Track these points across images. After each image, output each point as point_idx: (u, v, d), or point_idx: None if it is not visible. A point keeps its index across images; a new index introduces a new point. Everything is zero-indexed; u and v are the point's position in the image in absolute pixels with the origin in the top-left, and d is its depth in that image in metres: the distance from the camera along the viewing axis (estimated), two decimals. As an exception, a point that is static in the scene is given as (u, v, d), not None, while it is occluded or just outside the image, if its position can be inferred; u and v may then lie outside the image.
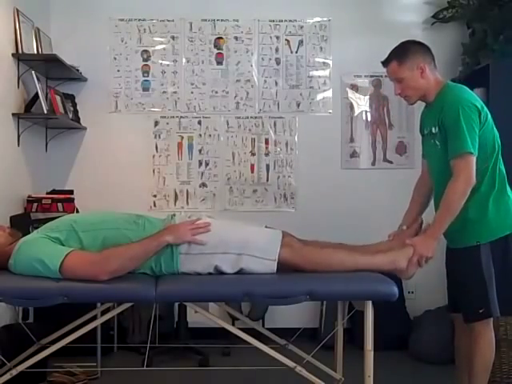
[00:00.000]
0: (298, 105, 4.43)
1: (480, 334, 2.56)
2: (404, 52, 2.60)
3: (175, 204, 4.38)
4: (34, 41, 3.91)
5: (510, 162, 2.75)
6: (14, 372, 2.20)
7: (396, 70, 2.59)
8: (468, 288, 2.56)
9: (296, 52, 4.43)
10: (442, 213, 2.50)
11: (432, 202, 2.75)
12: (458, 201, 2.46)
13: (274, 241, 2.34)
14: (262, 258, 2.31)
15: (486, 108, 2.56)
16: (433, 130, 2.59)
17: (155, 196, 4.39)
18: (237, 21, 4.40)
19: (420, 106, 2.78)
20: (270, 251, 2.32)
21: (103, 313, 2.57)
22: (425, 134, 2.72)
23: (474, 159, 2.46)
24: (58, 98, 3.94)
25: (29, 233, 2.43)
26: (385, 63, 2.65)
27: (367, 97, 4.44)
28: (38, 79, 3.72)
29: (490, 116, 2.57)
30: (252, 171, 4.41)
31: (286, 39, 4.43)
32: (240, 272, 2.33)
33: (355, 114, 4.46)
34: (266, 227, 2.52)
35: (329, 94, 4.43)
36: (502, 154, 2.63)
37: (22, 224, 3.38)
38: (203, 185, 4.41)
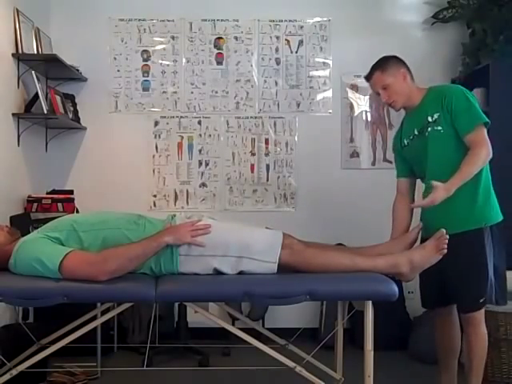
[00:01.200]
0: (298, 105, 4.43)
1: (479, 323, 2.62)
2: (385, 62, 2.76)
3: (175, 204, 4.38)
4: (34, 41, 3.91)
5: (510, 161, 2.76)
6: (14, 372, 2.19)
7: (380, 77, 2.73)
8: (469, 275, 2.59)
9: (296, 52, 4.43)
10: (462, 171, 2.51)
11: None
12: (479, 166, 2.53)
13: (275, 243, 2.33)
14: (262, 261, 2.30)
15: None
16: (430, 118, 2.64)
17: (155, 196, 4.39)
18: (237, 21, 4.40)
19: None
20: (271, 254, 2.31)
21: (103, 313, 2.57)
22: (406, 142, 2.79)
23: (486, 132, 2.58)
24: (58, 98, 3.94)
25: (29, 233, 2.42)
26: (368, 76, 2.79)
27: (367, 97, 4.44)
28: (38, 79, 3.72)
29: None
30: (252, 171, 4.41)
31: (285, 39, 4.43)
32: (240, 274, 2.33)
33: (355, 114, 4.46)
34: (266, 228, 2.52)
35: (329, 94, 4.43)
36: (502, 153, 2.65)
37: (22, 224, 3.37)
38: (203, 185, 4.41)
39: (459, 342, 2.81)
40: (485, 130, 2.58)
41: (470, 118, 2.57)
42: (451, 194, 2.46)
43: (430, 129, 2.64)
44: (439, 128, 2.61)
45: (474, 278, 2.58)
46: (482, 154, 2.53)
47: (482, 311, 2.63)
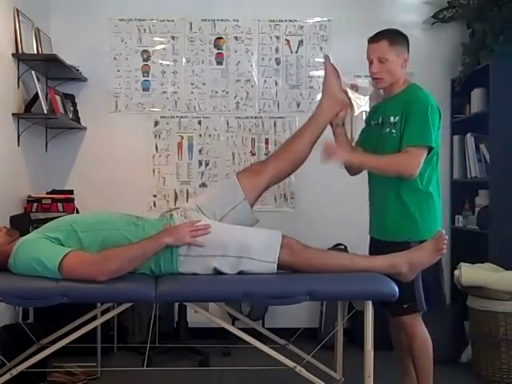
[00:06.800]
0: (298, 105, 4.43)
1: (412, 326, 2.62)
2: (396, 36, 2.64)
3: (175, 204, 4.37)
4: (34, 41, 3.91)
5: (510, 161, 2.76)
6: (14, 372, 2.20)
7: (385, 49, 2.60)
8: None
9: (296, 52, 4.43)
10: (378, 160, 2.59)
11: None
12: (390, 169, 2.54)
13: (274, 243, 2.34)
14: (262, 261, 2.31)
15: None
16: (391, 119, 2.62)
17: (155, 196, 4.39)
18: (237, 21, 4.40)
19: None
20: (270, 253, 2.32)
21: (103, 313, 2.57)
22: (373, 124, 2.78)
23: (425, 156, 2.51)
24: (58, 98, 3.94)
25: (29, 233, 2.42)
26: (373, 39, 2.65)
27: (367, 97, 4.43)
28: (38, 79, 3.71)
29: None
30: (252, 171, 4.40)
31: (285, 39, 4.43)
32: (239, 273, 2.33)
33: (355, 114, 4.45)
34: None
35: (329, 93, 4.42)
36: (502, 154, 2.65)
37: (22, 224, 3.37)
38: (203, 185, 4.41)
39: None
40: (423, 153, 2.50)
41: (418, 135, 2.51)
42: (352, 161, 2.63)
43: (388, 129, 2.64)
44: (393, 131, 2.60)
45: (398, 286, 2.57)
46: (401, 164, 2.51)
47: (414, 316, 2.60)
